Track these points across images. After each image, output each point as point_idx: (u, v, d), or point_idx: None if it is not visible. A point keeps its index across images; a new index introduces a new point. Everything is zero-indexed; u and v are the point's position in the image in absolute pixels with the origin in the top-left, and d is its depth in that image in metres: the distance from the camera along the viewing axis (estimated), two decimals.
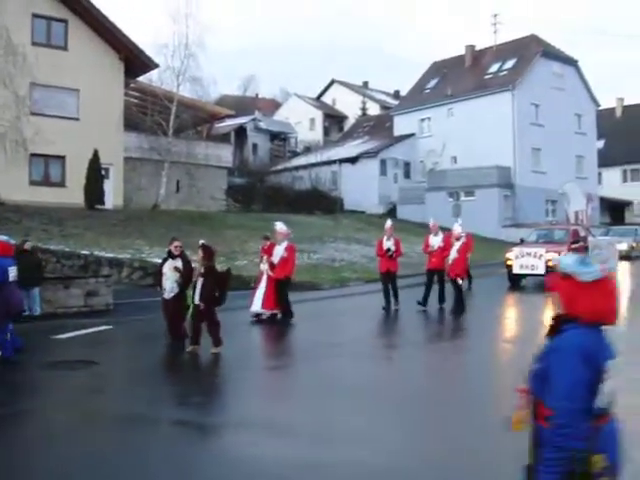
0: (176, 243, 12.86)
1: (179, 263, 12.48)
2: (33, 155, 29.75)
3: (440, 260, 17.37)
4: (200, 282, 11.65)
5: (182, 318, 12.37)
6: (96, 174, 30.28)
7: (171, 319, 12.49)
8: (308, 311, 17.74)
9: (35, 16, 30.85)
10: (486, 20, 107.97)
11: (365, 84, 78.17)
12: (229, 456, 6.62)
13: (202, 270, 11.71)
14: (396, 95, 73.23)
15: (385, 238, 17.43)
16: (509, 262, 22.73)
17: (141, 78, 36.63)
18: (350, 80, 76.82)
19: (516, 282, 22.86)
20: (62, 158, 31.08)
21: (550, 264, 21.29)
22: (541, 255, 21.81)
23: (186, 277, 12.31)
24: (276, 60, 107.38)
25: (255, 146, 60.42)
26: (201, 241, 12.32)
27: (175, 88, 35.55)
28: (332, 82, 77.07)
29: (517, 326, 16.20)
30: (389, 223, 17.91)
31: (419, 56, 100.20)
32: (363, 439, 7.04)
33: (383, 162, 50.28)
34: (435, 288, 17.42)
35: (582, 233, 24.43)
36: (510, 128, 45.21)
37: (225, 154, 42.00)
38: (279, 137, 64.79)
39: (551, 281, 3.91)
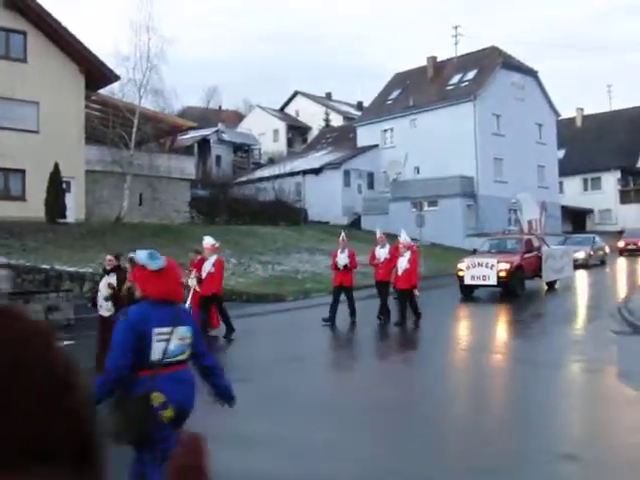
0: (108, 257, 12.47)
1: (113, 279, 11.94)
2: None
3: (387, 272, 17.11)
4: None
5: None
6: (57, 187, 29.92)
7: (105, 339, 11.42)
8: (271, 324, 17.72)
9: None
10: (447, 32, 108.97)
11: (328, 95, 78.43)
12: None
13: (128, 284, 11.03)
14: (359, 106, 73.55)
15: (339, 250, 17.20)
16: (460, 273, 22.42)
17: (102, 90, 36.31)
18: (313, 92, 77.10)
19: (468, 293, 22.60)
20: (22, 172, 30.67)
21: (502, 274, 21.45)
22: (492, 265, 21.60)
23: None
24: (239, 72, 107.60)
25: (218, 158, 60.24)
26: (130, 254, 11.86)
27: (137, 100, 35.31)
28: (295, 93, 77.24)
29: (466, 337, 16.17)
30: (342, 235, 17.76)
31: (382, 67, 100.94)
32: (331, 451, 7.01)
33: (347, 173, 50.40)
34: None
35: (535, 242, 24.60)
36: (472, 138, 45.58)
37: (188, 166, 41.79)
38: (242, 149, 64.70)
39: (133, 272, 5.72)
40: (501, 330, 17.06)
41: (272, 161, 62.05)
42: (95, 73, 33.23)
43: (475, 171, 45.31)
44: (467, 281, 22.09)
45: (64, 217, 30.06)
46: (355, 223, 47.13)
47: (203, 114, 67.66)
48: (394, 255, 16.99)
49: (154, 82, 35.43)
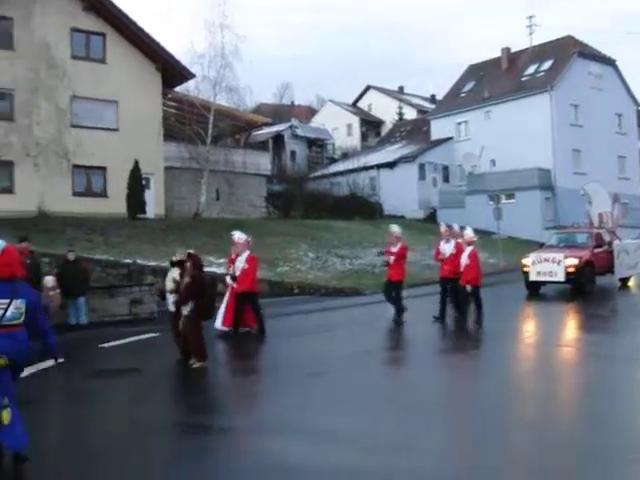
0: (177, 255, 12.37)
1: (176, 274, 11.92)
2: (75, 167, 30.10)
3: (452, 268, 16.09)
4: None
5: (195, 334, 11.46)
6: (137, 184, 30.59)
7: (178, 334, 11.78)
8: (348, 317, 17.71)
9: (74, 30, 31.26)
10: (521, 22, 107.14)
11: (401, 89, 77.98)
12: (279, 463, 6.53)
13: (187, 279, 11.19)
14: (432, 99, 72.89)
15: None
16: (526, 269, 21.26)
17: (178, 88, 36.93)
18: (386, 85, 76.74)
19: (534, 290, 21.48)
20: (103, 169, 31.43)
21: (570, 270, 20.18)
22: (560, 261, 20.38)
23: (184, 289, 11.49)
24: (311, 67, 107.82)
25: (293, 153, 60.53)
26: (189, 250, 11.86)
27: (212, 97, 35.77)
28: (368, 88, 76.98)
29: (535, 332, 15.61)
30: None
31: (454, 60, 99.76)
32: (406, 446, 6.94)
33: (422, 166, 50.06)
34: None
35: (606, 236, 23.19)
36: (549, 129, 44.71)
37: (263, 162, 42.16)
38: (316, 144, 64.84)
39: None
40: (571, 326, 16.50)
41: (346, 155, 62.07)
42: (171, 71, 33.84)
43: (552, 163, 44.44)
44: (533, 277, 20.94)
45: (144, 213, 30.73)
46: (431, 217, 46.81)
47: (276, 110, 68.00)
48: (459, 250, 16.11)
49: (228, 79, 35.88)
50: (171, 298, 11.87)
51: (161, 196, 33.34)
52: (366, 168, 51.47)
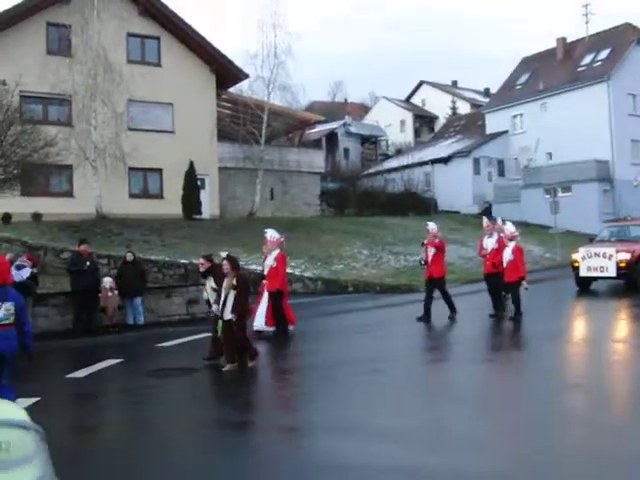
0: (201, 260, 12.41)
1: (212, 282, 11.97)
2: (132, 169, 30.61)
3: (496, 263, 15.64)
4: (232, 295, 11.05)
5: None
6: (192, 185, 31.01)
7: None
8: (403, 314, 17.70)
9: (130, 35, 31.89)
10: (575, 11, 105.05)
11: (454, 83, 77.45)
12: (334, 462, 6.56)
13: (234, 282, 11.07)
14: (486, 93, 72.22)
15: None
16: (575, 264, 20.49)
17: (232, 89, 37.29)
18: (438, 80, 76.30)
19: (585, 286, 20.75)
20: (159, 171, 31.98)
21: (622, 265, 19.29)
22: (611, 255, 19.49)
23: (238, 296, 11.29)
24: (363, 64, 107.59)
25: (346, 150, 60.60)
26: (224, 252, 11.86)
27: (266, 97, 35.97)
28: (421, 83, 76.64)
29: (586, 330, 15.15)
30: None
31: (507, 52, 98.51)
32: (470, 446, 6.91)
33: (476, 161, 49.64)
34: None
35: None
36: (607, 120, 43.83)
37: (317, 160, 42.29)
38: (370, 140, 64.79)
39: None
40: (621, 324, 15.98)
41: (400, 152, 61.86)
42: (225, 72, 34.21)
43: (611, 154, 43.58)
44: (583, 273, 20.12)
45: (200, 213, 31.14)
46: (486, 212, 46.37)
47: (329, 108, 68.11)
48: (502, 245, 15.67)
49: (282, 78, 35.99)
50: (215, 307, 11.67)
51: (216, 196, 33.74)
52: (420, 164, 51.25)
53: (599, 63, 46.82)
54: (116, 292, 16.43)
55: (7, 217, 25.51)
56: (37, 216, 26.91)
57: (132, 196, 31.28)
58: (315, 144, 50.38)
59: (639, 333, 14.11)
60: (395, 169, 52.49)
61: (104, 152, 28.76)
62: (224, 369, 11.01)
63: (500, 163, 50.81)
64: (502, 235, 15.92)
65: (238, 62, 34.66)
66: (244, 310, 11.18)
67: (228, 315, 11.03)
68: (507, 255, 15.26)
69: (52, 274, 19.18)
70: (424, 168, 51.18)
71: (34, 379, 10.22)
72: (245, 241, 26.78)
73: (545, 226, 37.43)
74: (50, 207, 27.48)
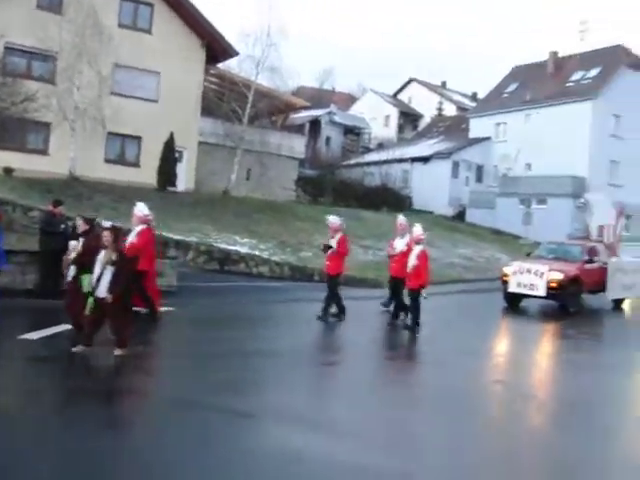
0: (79, 221, 11.87)
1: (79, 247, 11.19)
2: (110, 134, 30.37)
3: (401, 266, 14.58)
4: (109, 271, 9.85)
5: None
6: (170, 156, 30.84)
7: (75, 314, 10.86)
8: (367, 309, 17.69)
9: None
10: (572, 27, 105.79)
11: (443, 84, 77.54)
12: (278, 450, 6.58)
13: (113, 257, 9.86)
14: (474, 97, 72.48)
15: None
16: (505, 277, 19.43)
17: (221, 65, 37.05)
18: (428, 79, 76.33)
19: (513, 302, 19.71)
20: (138, 138, 31.71)
21: (553, 285, 18.34)
22: (542, 273, 18.48)
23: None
24: (356, 56, 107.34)
25: (328, 139, 60.50)
26: (108, 222, 11.02)
27: (254, 77, 35.81)
28: (410, 80, 76.62)
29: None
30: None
31: (499, 59, 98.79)
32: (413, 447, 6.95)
33: (456, 164, 49.80)
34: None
35: (600, 252, 20.85)
36: (587, 138, 44.15)
37: (298, 145, 42.21)
38: (353, 132, 64.72)
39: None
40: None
41: (381, 146, 61.89)
42: (216, 47, 33.96)
43: (588, 172, 43.84)
44: (511, 288, 19.12)
45: (174, 186, 30.97)
46: (460, 215, 46.64)
47: (316, 94, 67.89)
48: (410, 248, 14.50)
49: (272, 59, 35.80)
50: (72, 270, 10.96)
51: (192, 170, 33.54)
52: (400, 160, 51.35)
53: (588, 81, 47.11)
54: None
55: None
56: (8, 170, 26.59)
57: (107, 161, 30.99)
58: (298, 129, 50.20)
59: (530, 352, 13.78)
60: (375, 163, 52.52)
61: (84, 113, 28.48)
62: (74, 349, 9.87)
63: (479, 168, 51.01)
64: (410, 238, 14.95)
65: (230, 39, 34.49)
66: (121, 290, 9.83)
67: (102, 293, 9.79)
68: (412, 259, 14.06)
69: (17, 231, 18.90)
70: (403, 165, 51.31)
71: None
72: (216, 218, 26.71)
73: (516, 236, 37.74)
74: (23, 163, 27.23)
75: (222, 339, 12.26)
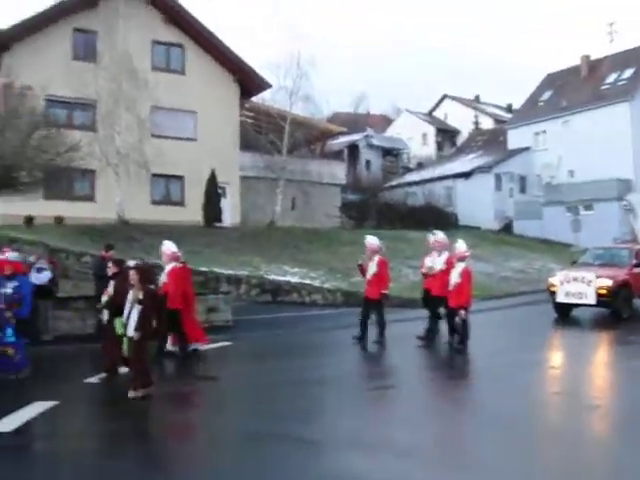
0: (110, 264, 12.10)
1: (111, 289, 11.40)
2: (154, 175, 30.76)
3: (442, 284, 14.25)
4: (137, 310, 9.95)
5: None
6: (214, 193, 31.08)
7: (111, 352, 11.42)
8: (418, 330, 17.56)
9: (155, 42, 32.21)
10: (600, 29, 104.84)
11: (477, 98, 77.23)
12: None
13: (140, 296, 9.96)
14: (509, 108, 72.03)
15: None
16: (553, 288, 18.90)
17: (255, 98, 37.42)
18: (461, 94, 76.13)
19: (564, 312, 19.05)
20: (181, 178, 32.14)
21: (602, 292, 17.65)
22: (590, 281, 17.85)
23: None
24: (387, 77, 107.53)
25: (368, 162, 60.60)
26: (132, 261, 11.39)
27: (288, 107, 36.05)
28: (444, 97, 76.51)
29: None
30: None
31: (531, 69, 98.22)
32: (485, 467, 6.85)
33: (498, 177, 49.43)
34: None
35: None
36: (629, 139, 43.51)
37: (339, 171, 42.33)
38: (391, 153, 64.76)
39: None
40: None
41: (421, 165, 61.81)
42: (248, 82, 34.40)
43: (633, 174, 43.25)
44: (560, 299, 18.56)
45: (220, 221, 31.20)
46: (507, 228, 46.20)
47: (351, 119, 68.08)
48: (450, 266, 14.26)
49: (305, 88, 36.03)
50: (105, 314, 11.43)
51: (237, 205, 33.83)
52: (441, 178, 51.18)
53: (624, 82, 46.59)
54: None
55: (30, 220, 25.64)
56: (59, 219, 27.07)
57: (154, 202, 31.44)
58: (337, 155, 50.44)
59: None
60: (416, 182, 52.43)
61: (127, 158, 28.89)
62: (130, 396, 9.73)
63: (522, 179, 50.56)
64: (451, 254, 14.62)
65: (261, 71, 34.86)
66: (147, 330, 9.95)
67: (131, 332, 9.98)
68: (454, 277, 13.91)
69: (72, 278, 19.23)
70: (445, 182, 51.08)
71: (54, 382, 10.20)
72: (265, 250, 26.79)
73: (566, 244, 37.22)
74: (72, 211, 27.67)
75: (280, 369, 12.28)
